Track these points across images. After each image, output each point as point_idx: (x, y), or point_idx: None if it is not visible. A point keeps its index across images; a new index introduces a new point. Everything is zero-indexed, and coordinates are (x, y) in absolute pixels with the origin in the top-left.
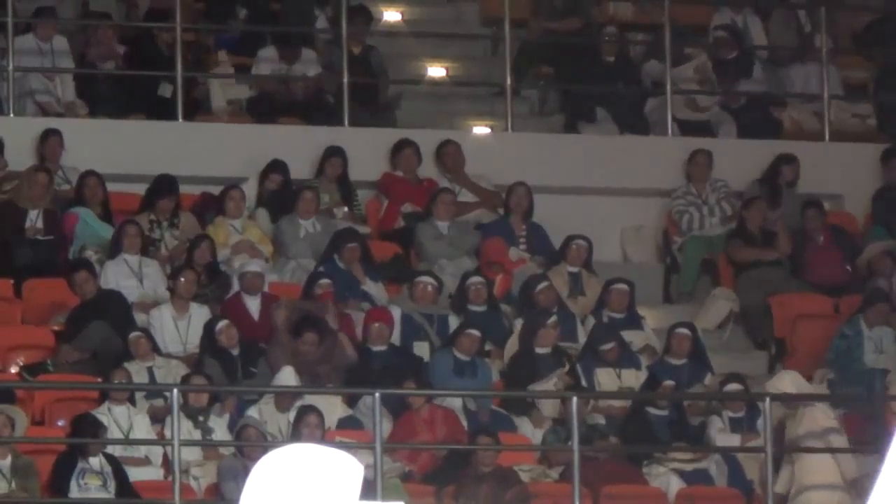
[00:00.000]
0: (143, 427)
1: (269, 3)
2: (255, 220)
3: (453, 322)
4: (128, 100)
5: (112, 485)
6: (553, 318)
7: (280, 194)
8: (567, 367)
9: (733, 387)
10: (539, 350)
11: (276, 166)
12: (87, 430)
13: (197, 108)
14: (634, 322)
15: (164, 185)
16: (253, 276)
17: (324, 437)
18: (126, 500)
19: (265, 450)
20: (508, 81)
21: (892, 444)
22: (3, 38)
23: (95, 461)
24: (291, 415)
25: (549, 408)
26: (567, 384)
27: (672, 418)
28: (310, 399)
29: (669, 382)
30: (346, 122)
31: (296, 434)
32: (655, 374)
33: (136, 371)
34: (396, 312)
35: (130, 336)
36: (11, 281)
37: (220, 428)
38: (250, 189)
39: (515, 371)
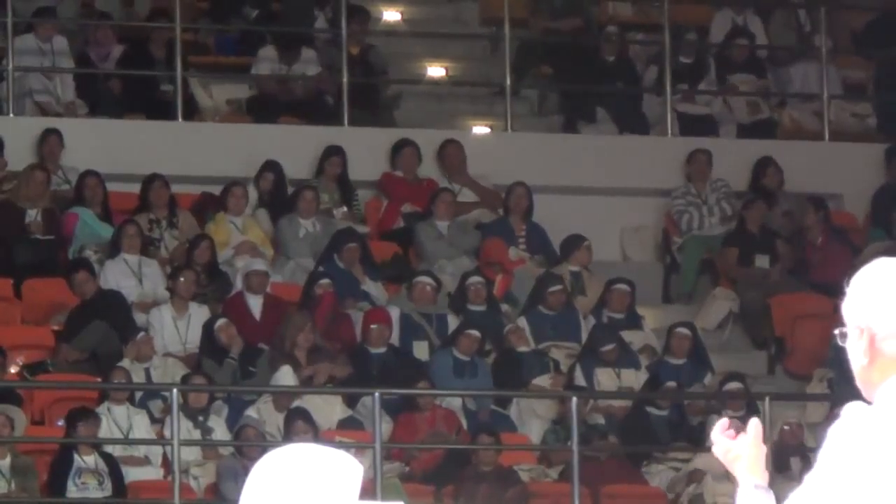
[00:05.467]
0: (142, 427)
1: (269, 2)
2: (256, 218)
3: (452, 322)
4: (127, 100)
5: (108, 484)
6: (514, 325)
7: (274, 194)
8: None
9: (733, 385)
10: (520, 349)
11: (268, 166)
12: (81, 419)
13: (196, 109)
14: (634, 322)
15: (151, 180)
16: (257, 274)
17: (315, 438)
18: (125, 500)
19: (264, 450)
20: (508, 81)
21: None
22: (3, 38)
23: (91, 460)
24: None
25: (544, 408)
26: (563, 385)
27: (672, 418)
28: (309, 398)
29: (671, 384)
30: (346, 121)
31: (287, 440)
32: (657, 374)
33: (131, 364)
34: (395, 312)
35: (138, 337)
36: (11, 281)
37: (219, 428)
38: (251, 191)
39: (501, 370)
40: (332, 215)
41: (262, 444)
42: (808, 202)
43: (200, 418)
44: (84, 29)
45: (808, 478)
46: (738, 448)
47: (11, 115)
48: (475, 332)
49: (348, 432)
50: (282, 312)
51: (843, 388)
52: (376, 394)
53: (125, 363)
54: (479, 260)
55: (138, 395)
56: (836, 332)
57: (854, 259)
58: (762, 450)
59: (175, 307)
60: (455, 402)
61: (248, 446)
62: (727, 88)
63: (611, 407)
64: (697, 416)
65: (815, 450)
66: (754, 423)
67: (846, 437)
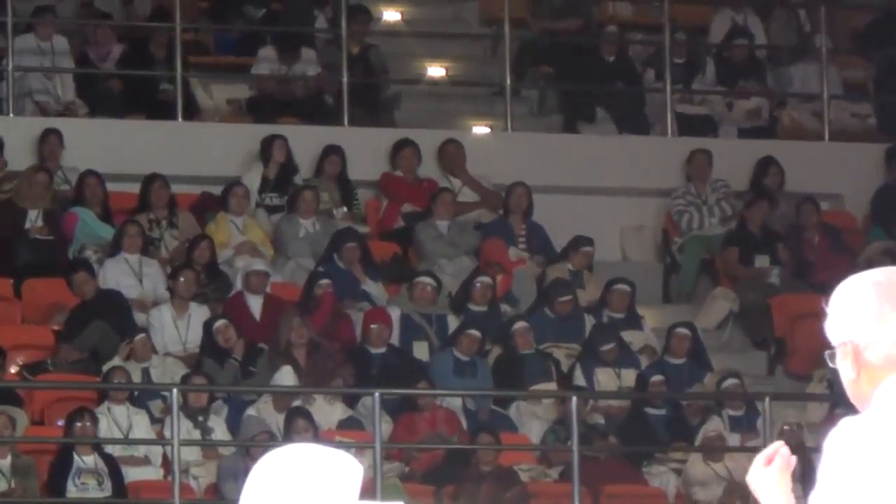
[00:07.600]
0: (142, 427)
1: (269, 2)
2: (256, 218)
3: (452, 322)
4: (127, 100)
5: (108, 484)
6: (522, 324)
7: (285, 166)
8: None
9: (730, 382)
10: (523, 351)
11: (277, 138)
12: (80, 419)
13: (196, 109)
14: (634, 322)
15: (151, 180)
16: (257, 274)
17: (315, 438)
18: (125, 500)
19: (264, 450)
20: (508, 81)
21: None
22: (3, 38)
23: (91, 460)
24: None
25: (543, 409)
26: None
27: (671, 418)
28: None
29: (658, 377)
30: (346, 121)
31: (287, 439)
32: (644, 375)
33: (127, 363)
34: (395, 312)
35: (136, 338)
36: (11, 281)
37: (219, 428)
38: (253, 178)
39: (503, 370)
40: (332, 215)
41: (262, 444)
42: (807, 202)
43: (200, 418)
44: (84, 29)
45: (812, 498)
46: (766, 475)
47: (11, 115)
48: (475, 333)
49: (348, 432)
50: (282, 312)
51: (842, 389)
52: (376, 394)
53: (118, 361)
54: (479, 260)
55: (138, 394)
56: (826, 354)
57: (853, 259)
58: (786, 478)
59: (175, 307)
60: (455, 402)
61: (248, 446)
62: (729, 91)
63: (611, 407)
64: (697, 416)
65: (815, 450)
66: (783, 452)
67: (843, 448)
